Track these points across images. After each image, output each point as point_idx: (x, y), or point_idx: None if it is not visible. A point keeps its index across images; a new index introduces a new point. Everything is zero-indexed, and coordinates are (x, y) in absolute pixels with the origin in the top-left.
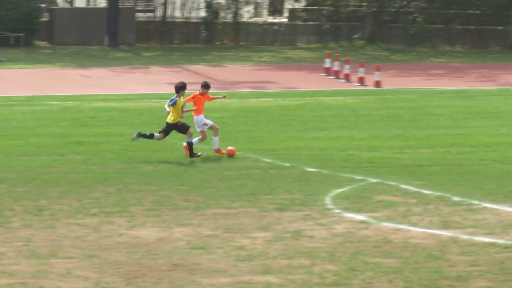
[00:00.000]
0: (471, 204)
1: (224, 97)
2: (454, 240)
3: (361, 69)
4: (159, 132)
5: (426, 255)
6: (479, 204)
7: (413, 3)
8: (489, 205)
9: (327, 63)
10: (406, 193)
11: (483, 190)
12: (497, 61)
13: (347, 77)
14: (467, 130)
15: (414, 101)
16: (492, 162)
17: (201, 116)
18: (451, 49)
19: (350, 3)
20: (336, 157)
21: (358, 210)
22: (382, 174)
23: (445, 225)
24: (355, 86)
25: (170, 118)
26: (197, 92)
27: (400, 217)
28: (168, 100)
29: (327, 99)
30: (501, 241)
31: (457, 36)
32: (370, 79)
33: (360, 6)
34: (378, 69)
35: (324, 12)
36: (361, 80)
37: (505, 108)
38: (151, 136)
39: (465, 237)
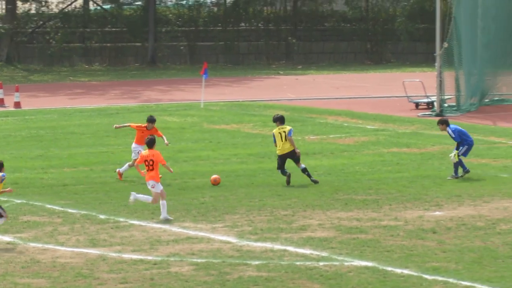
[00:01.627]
0: (117, 221)
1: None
2: (102, 258)
3: (0, 91)
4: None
5: (75, 274)
6: (126, 221)
7: (49, 22)
8: (136, 222)
9: None
10: (52, 212)
11: (129, 208)
12: (137, 78)
13: None
14: (109, 148)
15: (55, 120)
16: (138, 178)
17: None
18: (89, 67)
19: None
20: None
21: (4, 232)
22: (27, 195)
23: (93, 244)
24: None
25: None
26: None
27: (47, 237)
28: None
29: None
30: (150, 258)
31: (95, 54)
32: (10, 100)
33: None
34: (17, 90)
35: None
36: (1, 102)
37: None
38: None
39: (114, 254)
